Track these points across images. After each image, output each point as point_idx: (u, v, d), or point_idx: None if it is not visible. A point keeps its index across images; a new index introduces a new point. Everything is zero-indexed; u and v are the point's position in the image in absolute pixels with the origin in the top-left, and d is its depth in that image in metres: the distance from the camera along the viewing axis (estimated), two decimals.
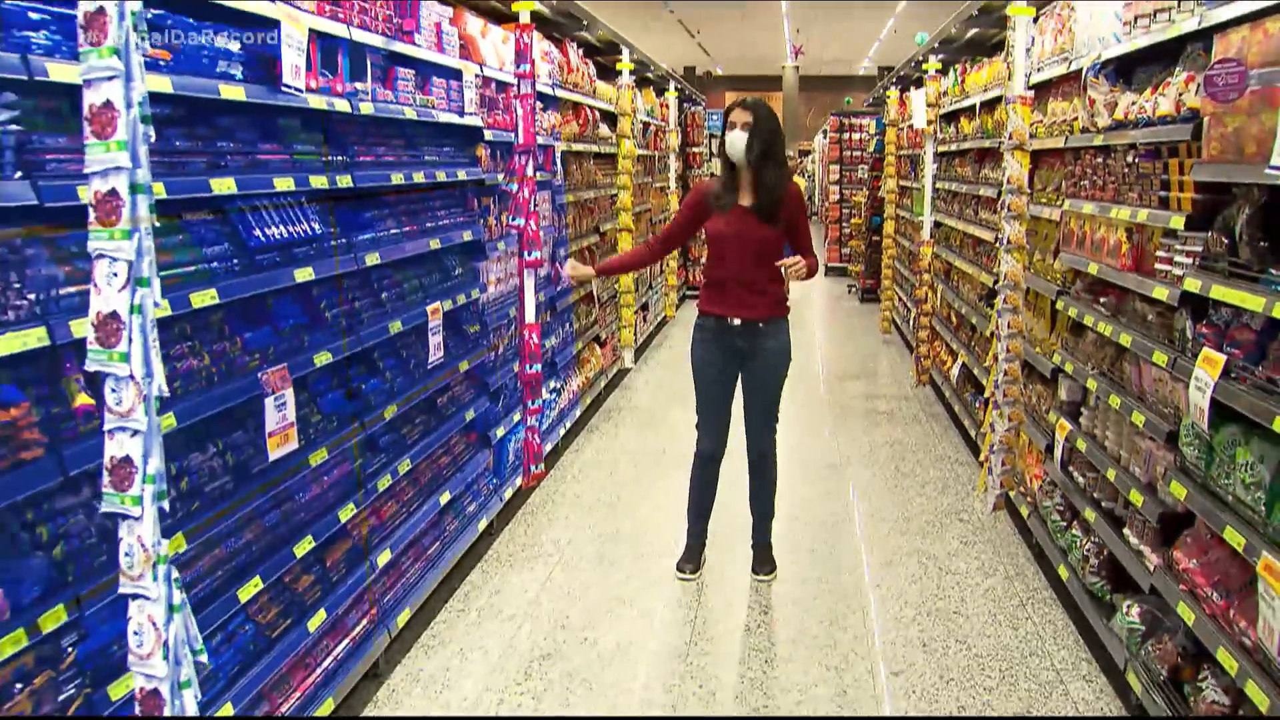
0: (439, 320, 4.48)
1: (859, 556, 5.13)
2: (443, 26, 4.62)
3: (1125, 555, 3.79)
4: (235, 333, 3.10)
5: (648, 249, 4.88)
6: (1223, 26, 3.08)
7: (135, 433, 2.09)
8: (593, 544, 5.28)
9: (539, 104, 5.87)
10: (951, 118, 8.06)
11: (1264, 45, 2.80)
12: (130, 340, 2.04)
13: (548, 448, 6.17)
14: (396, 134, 4.28)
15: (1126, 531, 3.86)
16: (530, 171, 5.21)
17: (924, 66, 8.38)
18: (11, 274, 2.13)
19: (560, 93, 6.91)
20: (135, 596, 2.17)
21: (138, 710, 2.24)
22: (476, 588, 4.78)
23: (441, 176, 4.53)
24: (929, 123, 8.36)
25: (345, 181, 3.61)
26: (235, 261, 3.01)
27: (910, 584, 4.81)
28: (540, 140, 6.00)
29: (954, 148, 7.90)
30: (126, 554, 2.15)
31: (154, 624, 2.17)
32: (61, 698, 2.26)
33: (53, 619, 2.22)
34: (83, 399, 2.34)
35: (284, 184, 3.17)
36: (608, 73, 9.21)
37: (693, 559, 4.91)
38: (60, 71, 2.18)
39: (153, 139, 2.06)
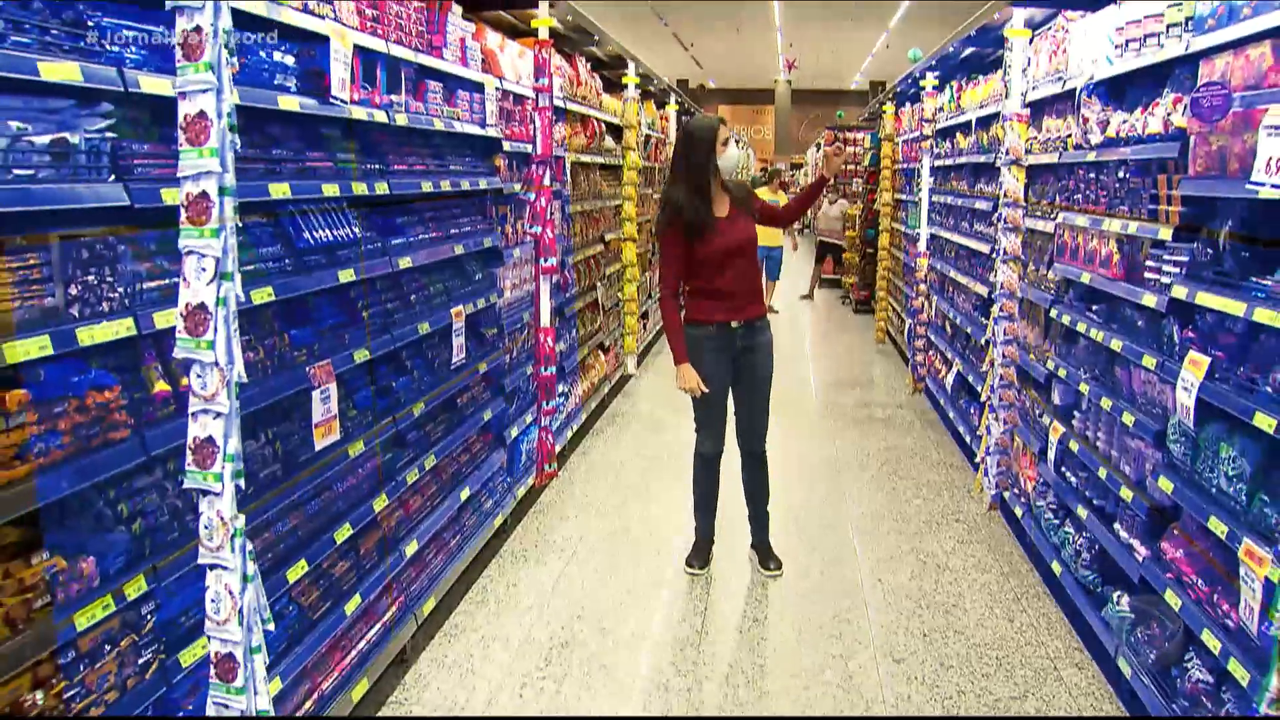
0: (462, 323, 4.68)
1: (859, 554, 5.34)
2: (466, 41, 4.83)
3: (1116, 549, 4.01)
4: (283, 329, 3.30)
5: (674, 303, 4.82)
6: (1208, 52, 3.31)
7: (218, 415, 2.29)
8: (603, 541, 5.47)
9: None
10: (948, 133, 8.30)
11: (1245, 70, 3.03)
12: (215, 330, 2.24)
13: (558, 448, 6.36)
14: (424, 144, 4.49)
15: (1117, 526, 4.07)
16: (547, 181, 5.42)
17: (921, 83, 8.62)
18: (105, 269, 2.33)
19: (570, 106, 7.13)
20: (214, 566, 2.37)
21: (213, 673, 2.43)
22: (494, 580, 4.97)
23: (466, 185, 4.74)
24: (927, 136, 8.61)
25: (382, 188, 3.82)
26: (287, 262, 3.21)
27: (910, 580, 5.02)
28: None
29: (950, 162, 8.14)
30: (206, 527, 2.35)
31: (230, 592, 2.37)
32: (141, 660, 2.45)
33: (134, 587, 2.41)
34: (161, 386, 2.54)
35: (330, 190, 3.38)
36: (611, 86, 9.44)
37: (701, 554, 5.11)
38: (151, 84, 2.38)
39: (239, 147, 2.27)
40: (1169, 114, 3.63)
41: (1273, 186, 2.67)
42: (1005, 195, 5.31)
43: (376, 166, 3.89)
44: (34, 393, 2.13)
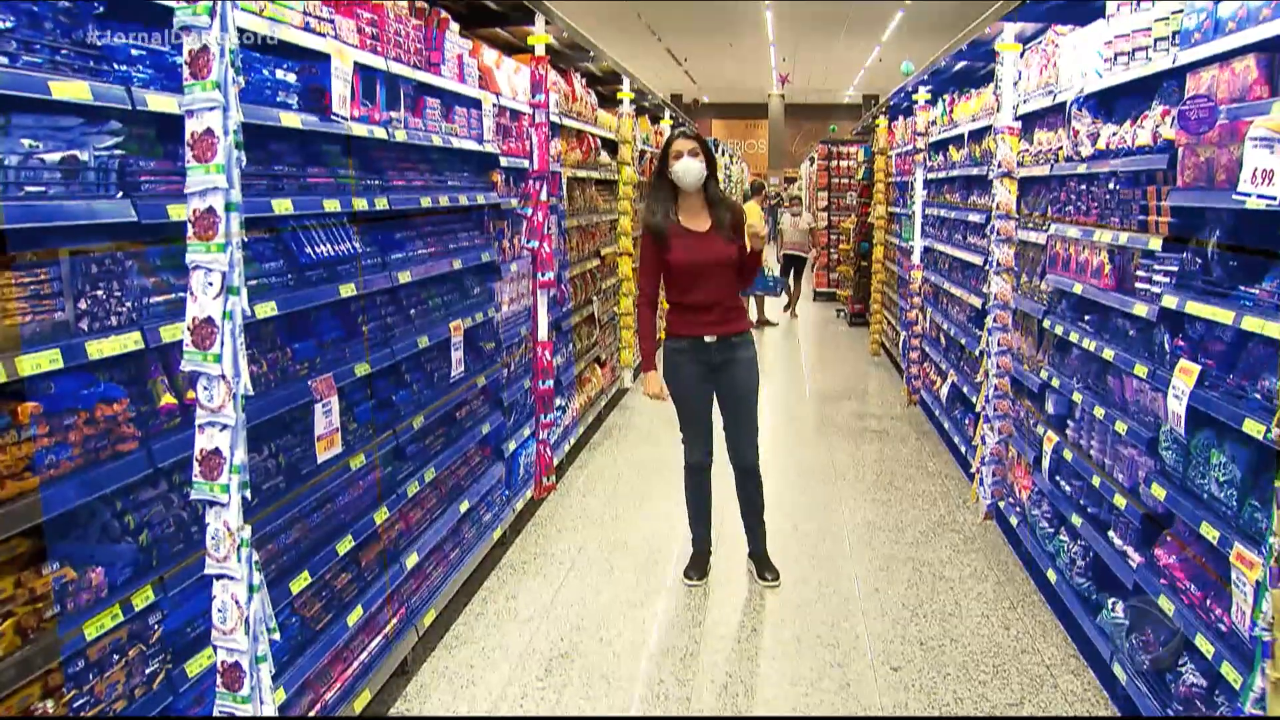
0: (460, 337, 4.72)
1: (856, 564, 5.37)
2: (464, 58, 4.89)
3: (1110, 556, 4.05)
4: (285, 343, 3.34)
5: (649, 312, 4.91)
6: (1194, 66, 3.37)
7: (224, 427, 2.32)
8: (601, 553, 5.50)
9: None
10: (941, 146, 8.37)
11: (1230, 83, 3.09)
12: (222, 343, 2.28)
13: (555, 462, 6.39)
14: (423, 159, 4.54)
15: (1111, 534, 4.11)
16: (544, 196, 5.48)
17: (914, 97, 8.70)
18: (114, 284, 2.37)
19: (566, 121, 7.19)
20: (220, 577, 2.40)
21: (219, 682, 2.46)
22: (493, 593, 5.00)
23: (463, 200, 4.78)
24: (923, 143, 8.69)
25: (382, 203, 3.86)
26: (289, 277, 3.25)
27: (906, 589, 5.05)
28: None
29: (942, 175, 8.21)
30: (213, 537, 2.38)
31: (236, 602, 2.40)
32: (148, 670, 2.48)
33: (141, 597, 2.44)
34: (167, 399, 2.58)
35: (331, 205, 3.42)
36: (606, 101, 9.51)
37: (699, 566, 5.14)
38: (157, 102, 2.43)
39: (244, 163, 2.31)
40: (1157, 126, 3.69)
41: (1259, 197, 2.72)
42: (998, 207, 5.37)
43: (376, 182, 3.93)
44: (44, 405, 2.16)
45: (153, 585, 2.49)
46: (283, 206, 3.08)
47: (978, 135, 6.89)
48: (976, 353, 6.19)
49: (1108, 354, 4.11)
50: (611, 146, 9.24)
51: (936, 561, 5.40)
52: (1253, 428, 2.85)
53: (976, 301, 6.60)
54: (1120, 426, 3.98)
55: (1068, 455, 4.63)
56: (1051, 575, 4.72)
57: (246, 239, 3.13)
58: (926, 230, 8.61)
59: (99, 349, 2.27)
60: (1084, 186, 4.55)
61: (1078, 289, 4.50)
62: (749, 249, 4.68)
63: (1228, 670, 2.96)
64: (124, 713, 2.39)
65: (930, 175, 8.54)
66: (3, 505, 2.05)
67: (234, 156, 2.28)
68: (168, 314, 2.56)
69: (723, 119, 39.58)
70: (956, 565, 5.35)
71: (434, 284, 4.66)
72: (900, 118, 10.80)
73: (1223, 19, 3.18)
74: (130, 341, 2.39)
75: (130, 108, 2.36)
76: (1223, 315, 3.08)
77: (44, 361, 2.10)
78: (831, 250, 17.14)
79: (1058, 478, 4.83)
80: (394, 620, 4.06)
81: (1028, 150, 5.39)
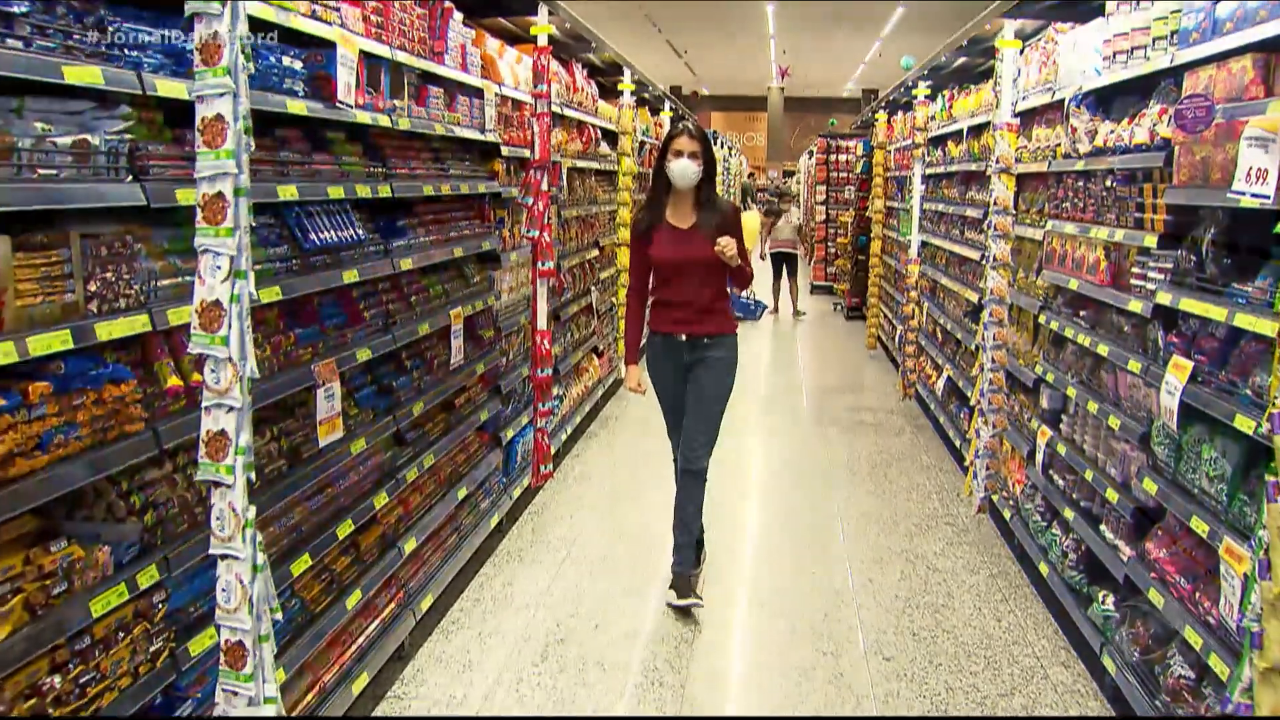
0: (460, 324, 4.75)
1: (850, 556, 5.41)
2: (467, 48, 4.90)
3: (1101, 549, 4.09)
4: (289, 328, 3.37)
5: (636, 305, 4.88)
6: (1192, 65, 3.41)
7: (230, 409, 2.36)
8: (597, 541, 5.54)
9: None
10: (939, 141, 8.40)
11: (1228, 83, 3.12)
12: (229, 326, 2.31)
13: (553, 450, 6.43)
14: (425, 148, 4.56)
15: (1103, 528, 4.16)
16: (545, 186, 5.50)
17: (914, 92, 8.73)
18: (122, 267, 2.40)
19: (566, 111, 7.20)
20: (225, 556, 2.43)
21: (222, 660, 2.49)
22: (490, 579, 5.04)
23: (465, 189, 4.81)
24: (922, 133, 8.71)
25: (385, 191, 3.89)
26: (294, 262, 3.28)
27: (899, 580, 5.10)
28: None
29: (941, 170, 8.24)
30: (218, 518, 2.42)
31: (241, 581, 2.43)
32: (152, 649, 2.51)
33: (147, 576, 2.47)
34: (173, 381, 2.61)
35: (335, 192, 3.45)
36: (606, 92, 9.52)
37: (686, 588, 4.75)
38: (167, 87, 2.45)
39: (253, 149, 2.34)
40: (1155, 125, 3.72)
41: (1253, 195, 2.75)
42: (995, 203, 5.41)
43: (379, 169, 3.96)
44: (54, 385, 2.19)
45: (157, 564, 2.52)
46: (288, 192, 3.11)
47: (977, 131, 6.92)
48: (972, 347, 6.23)
49: (1102, 349, 4.15)
50: (612, 137, 9.26)
51: (930, 554, 5.45)
52: (1243, 423, 2.88)
53: (973, 296, 6.64)
54: (1113, 421, 4.02)
55: (1061, 449, 4.67)
56: (1044, 568, 4.77)
57: (253, 224, 3.17)
58: (924, 225, 8.65)
59: (108, 330, 2.30)
60: (1081, 183, 4.58)
61: (1074, 285, 4.53)
62: (726, 254, 4.48)
63: (1215, 662, 3.00)
64: (129, 689, 2.42)
65: (929, 170, 8.57)
66: (12, 483, 2.08)
67: (243, 142, 2.30)
68: (175, 297, 2.59)
69: (722, 111, 39.52)
70: (949, 558, 5.40)
71: (435, 271, 4.69)
72: (900, 112, 10.83)
73: (1220, 19, 3.22)
74: (138, 324, 2.42)
75: (140, 92, 2.39)
76: (1216, 312, 3.12)
77: (54, 342, 2.13)
78: (829, 244, 17.16)
79: (1051, 472, 4.88)
80: (392, 604, 4.10)
81: (1026, 147, 5.43)
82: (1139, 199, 3.86)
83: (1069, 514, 4.52)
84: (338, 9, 3.46)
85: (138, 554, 2.50)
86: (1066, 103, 4.67)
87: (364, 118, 3.67)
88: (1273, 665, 2.32)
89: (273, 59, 3.09)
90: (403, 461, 4.26)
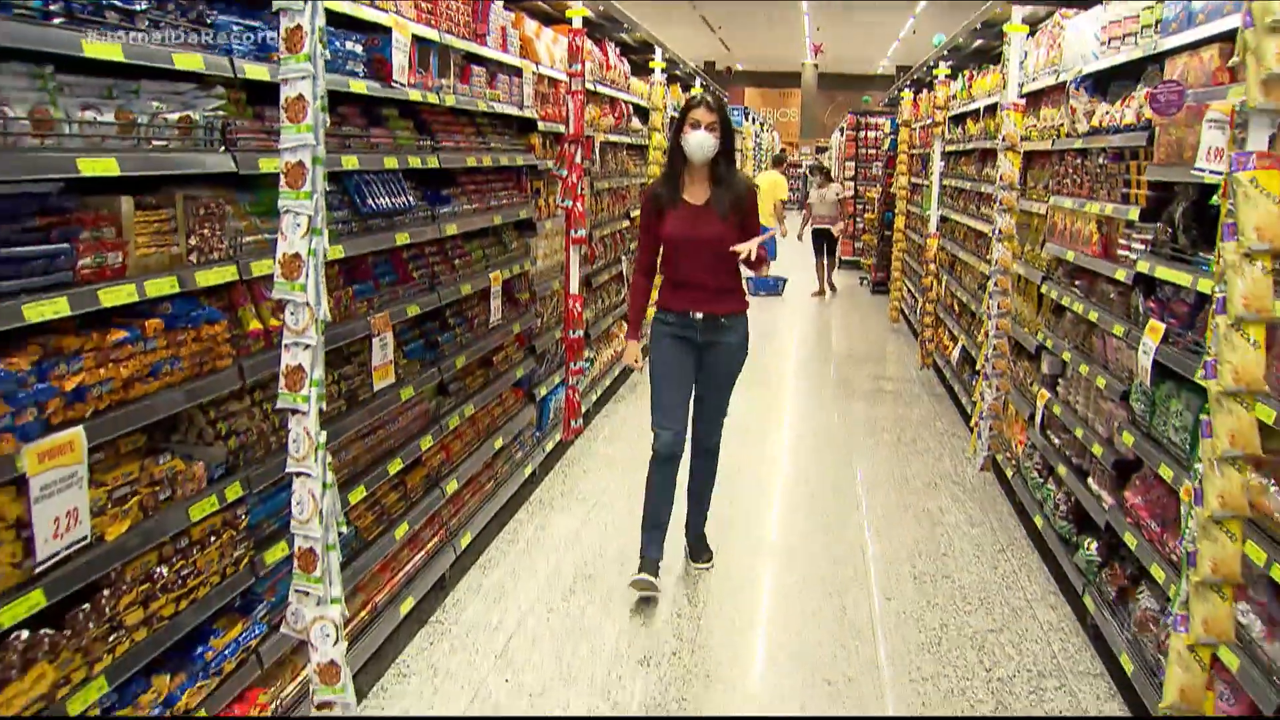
0: (499, 286, 5.14)
1: (861, 510, 5.78)
2: (507, 29, 5.27)
3: (1087, 499, 4.44)
4: (347, 283, 3.76)
5: (644, 280, 4.76)
6: (1171, 53, 3.72)
7: (307, 346, 2.75)
8: (623, 494, 5.93)
9: None
10: (959, 120, 8.68)
11: (1198, 70, 3.44)
12: (307, 275, 2.70)
13: (583, 409, 6.83)
14: (469, 123, 4.94)
15: (1090, 480, 4.50)
16: (579, 159, 5.87)
17: (934, 72, 9.00)
18: (216, 225, 2.79)
19: (599, 88, 7.55)
20: (299, 474, 2.84)
21: (295, 565, 2.90)
22: (524, 523, 5.45)
23: (504, 161, 5.19)
24: (938, 123, 8.99)
25: (433, 162, 4.27)
26: (353, 224, 3.68)
27: (906, 532, 5.46)
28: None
29: (960, 148, 8.53)
30: (294, 440, 2.82)
31: (313, 496, 2.84)
32: (235, 554, 2.93)
33: (233, 491, 2.89)
34: (254, 324, 3.01)
35: (390, 162, 3.84)
36: (638, 69, 9.85)
37: (651, 571, 4.59)
38: (253, 70, 2.84)
39: (328, 124, 2.72)
40: (1141, 107, 4.03)
41: (1211, 172, 3.07)
42: (1001, 179, 5.72)
43: (428, 143, 4.34)
44: (164, 323, 2.60)
45: (240, 482, 2.93)
46: (350, 162, 3.50)
47: (992, 110, 7.21)
48: (981, 315, 6.55)
49: (1092, 315, 4.48)
50: (643, 113, 9.59)
51: (937, 509, 5.81)
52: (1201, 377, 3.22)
53: (987, 269, 6.94)
54: (1100, 381, 4.35)
55: (1057, 410, 5.00)
56: (1039, 520, 5.12)
57: None
58: (943, 201, 8.94)
59: (205, 278, 2.70)
60: (1079, 161, 4.89)
61: (1070, 256, 4.85)
62: (741, 256, 4.37)
63: (1174, 593, 3.35)
64: (217, 586, 2.84)
65: (949, 148, 8.85)
66: (132, 403, 2.48)
67: (320, 118, 2.69)
68: (256, 252, 2.99)
69: (756, 87, 39.61)
70: (954, 512, 5.76)
71: (476, 237, 5.08)
72: (924, 91, 11.08)
73: (1194, 10, 3.53)
74: (228, 273, 2.82)
75: (232, 75, 2.78)
76: (1183, 278, 3.45)
77: (165, 286, 2.53)
78: (858, 220, 17.41)
79: (1048, 431, 5.21)
80: (435, 539, 4.51)
81: (1035, 125, 5.73)
82: (1126, 175, 4.18)
83: (1062, 470, 4.86)
84: None
85: (224, 473, 2.91)
86: (1068, 85, 4.98)
87: (415, 96, 4.05)
88: (1204, 580, 2.67)
89: (338, 44, 3.47)
90: (446, 410, 4.66)
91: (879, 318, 12.81)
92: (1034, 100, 5.83)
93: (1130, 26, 4.22)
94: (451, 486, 4.66)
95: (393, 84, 3.81)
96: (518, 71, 5.44)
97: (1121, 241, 4.21)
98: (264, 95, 3.07)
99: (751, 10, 24.25)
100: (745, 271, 4.60)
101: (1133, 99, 4.18)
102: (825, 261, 14.40)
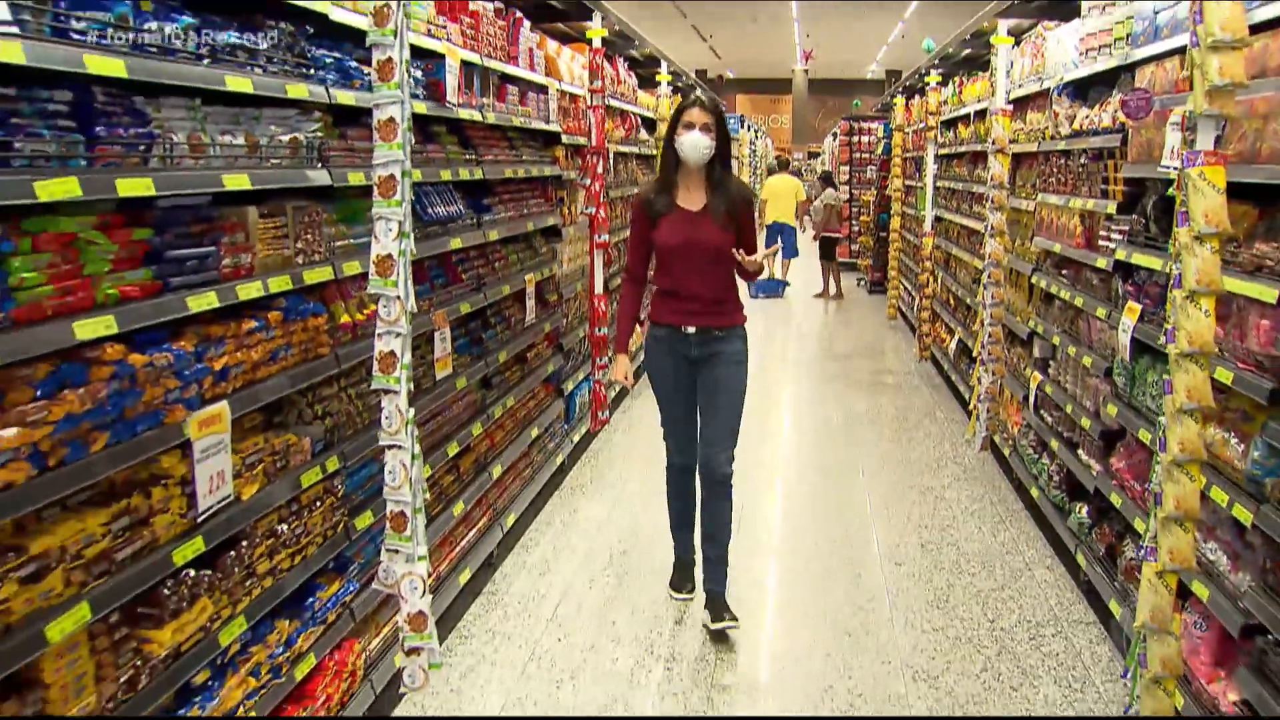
0: (533, 288, 5.58)
1: (869, 490, 6.23)
2: (534, 50, 5.72)
3: (1078, 468, 4.88)
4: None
5: (634, 289, 4.52)
6: (1141, 62, 4.18)
7: (398, 335, 3.19)
8: (647, 482, 6.33)
9: None
10: (951, 124, 9.15)
11: (1164, 78, 3.89)
12: (398, 273, 3.14)
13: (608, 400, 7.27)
14: (503, 137, 5.38)
15: (1080, 451, 4.94)
16: (600, 169, 6.32)
17: (925, 79, 9.47)
18: (316, 231, 3.23)
19: (611, 102, 7.99)
20: (392, 446, 3.27)
21: (388, 526, 3.33)
22: (559, 508, 5.89)
23: (535, 171, 5.64)
24: (931, 127, 9.46)
25: (478, 173, 4.72)
26: (417, 231, 4.11)
27: (911, 507, 5.91)
28: None
29: (952, 150, 8.99)
30: (387, 417, 3.25)
31: (403, 465, 3.27)
32: (334, 519, 3.36)
33: (331, 463, 3.32)
34: (345, 318, 3.45)
35: (445, 174, 4.29)
36: (644, 82, 10.32)
37: (685, 575, 4.67)
38: (344, 97, 3.29)
39: (414, 143, 3.16)
40: (1115, 111, 4.48)
41: (1174, 169, 3.52)
42: (992, 178, 6.18)
43: (472, 156, 4.78)
44: (282, 315, 3.03)
45: (337, 456, 3.36)
46: (415, 175, 3.93)
47: (982, 114, 7.67)
48: (976, 307, 7.00)
49: (1078, 301, 4.93)
50: (650, 124, 10.05)
51: (939, 487, 6.25)
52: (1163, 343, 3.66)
53: (980, 264, 7.40)
54: (1086, 360, 4.80)
55: (1048, 390, 5.45)
56: (1035, 492, 5.56)
57: None
58: (938, 201, 9.40)
59: (310, 276, 3.14)
60: (1063, 161, 5.35)
61: (1057, 248, 5.30)
62: (744, 264, 4.22)
63: (1145, 529, 3.79)
64: (320, 545, 3.27)
65: (941, 150, 9.32)
66: (258, 384, 2.91)
67: (408, 137, 3.13)
68: (345, 254, 3.43)
69: (747, 94, 40.17)
70: (955, 490, 6.21)
71: (511, 242, 5.52)
72: (916, 96, 11.55)
73: (1160, 25, 3.98)
74: (326, 273, 3.26)
75: (328, 101, 3.22)
76: (1155, 263, 3.90)
77: (284, 283, 2.96)
78: (853, 223, 17.87)
79: (1041, 411, 5.66)
80: (484, 519, 4.94)
81: (1022, 129, 6.19)
82: (1104, 173, 4.63)
83: (1054, 444, 5.30)
84: (445, 27, 4.28)
85: (322, 448, 3.35)
86: (1051, 91, 5.43)
87: (464, 114, 4.49)
88: (1169, 515, 3.10)
89: None
90: (490, 401, 5.09)
91: (877, 316, 13.28)
92: (1021, 105, 6.29)
93: (1105, 39, 4.67)
94: (496, 471, 5.09)
95: (446, 104, 4.25)
96: (543, 89, 5.89)
97: (1102, 233, 4.65)
98: (346, 118, 3.52)
99: (741, 18, 24.73)
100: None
101: (1109, 104, 4.63)
102: (829, 266, 14.80)
